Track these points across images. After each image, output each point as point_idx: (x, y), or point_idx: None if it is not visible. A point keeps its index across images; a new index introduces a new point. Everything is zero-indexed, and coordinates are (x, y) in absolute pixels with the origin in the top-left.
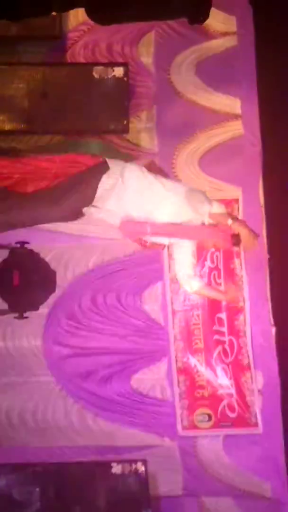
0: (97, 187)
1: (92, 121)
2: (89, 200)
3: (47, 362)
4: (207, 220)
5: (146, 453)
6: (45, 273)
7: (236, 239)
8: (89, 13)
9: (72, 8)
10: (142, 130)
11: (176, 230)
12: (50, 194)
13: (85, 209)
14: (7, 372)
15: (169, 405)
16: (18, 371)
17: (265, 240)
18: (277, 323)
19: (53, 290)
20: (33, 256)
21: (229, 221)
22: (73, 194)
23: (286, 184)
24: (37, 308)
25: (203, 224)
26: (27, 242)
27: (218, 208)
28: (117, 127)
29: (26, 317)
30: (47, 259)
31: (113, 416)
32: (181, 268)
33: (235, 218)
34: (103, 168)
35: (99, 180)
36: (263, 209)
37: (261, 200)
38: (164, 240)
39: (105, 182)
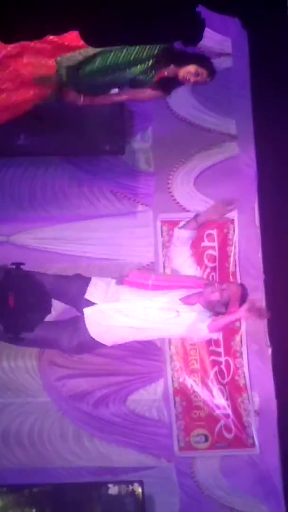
0: None
1: (88, 142)
2: None
3: (44, 383)
4: None
5: (143, 474)
6: (40, 295)
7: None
8: (83, 36)
9: (66, 32)
10: (138, 150)
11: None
12: None
13: None
14: (4, 393)
15: (165, 426)
16: (14, 392)
17: (260, 260)
18: (273, 343)
19: (49, 312)
20: (29, 278)
21: None
22: None
23: (282, 205)
24: (32, 330)
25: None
26: (22, 264)
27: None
28: (113, 148)
29: (22, 338)
30: None
31: (109, 437)
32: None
33: None
34: None
35: None
36: (259, 230)
37: (257, 221)
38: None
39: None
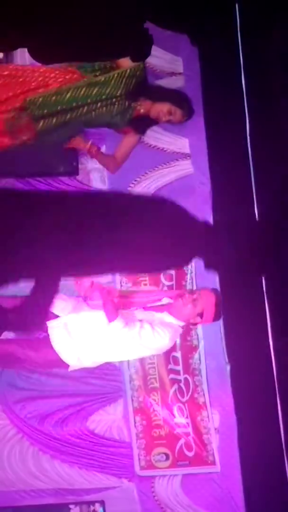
0: None
1: (42, 163)
2: None
3: (2, 406)
4: None
5: (104, 494)
6: None
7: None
8: (32, 52)
9: (15, 49)
10: (92, 170)
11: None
12: None
13: None
14: None
15: (126, 445)
16: None
17: (217, 278)
18: (231, 360)
19: (3, 329)
20: None
21: None
22: None
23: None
24: None
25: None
26: None
27: None
28: (67, 168)
29: None
30: None
31: (70, 458)
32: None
33: None
34: None
35: None
36: None
37: None
38: None
39: None
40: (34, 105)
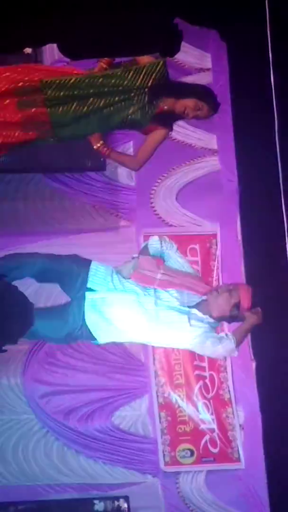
0: None
1: (70, 158)
2: None
3: (28, 400)
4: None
5: (129, 490)
6: (23, 307)
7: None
8: (62, 48)
9: (44, 44)
10: (119, 166)
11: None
12: None
13: None
14: None
15: (151, 441)
16: None
17: (243, 275)
18: (257, 357)
19: (31, 325)
20: (11, 289)
21: None
22: None
23: (263, 219)
24: (15, 342)
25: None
26: (4, 276)
27: None
28: (94, 164)
29: (5, 350)
30: (26, 292)
31: (94, 454)
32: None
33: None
34: None
35: None
36: (241, 244)
37: (239, 235)
38: None
39: None
40: (50, 87)
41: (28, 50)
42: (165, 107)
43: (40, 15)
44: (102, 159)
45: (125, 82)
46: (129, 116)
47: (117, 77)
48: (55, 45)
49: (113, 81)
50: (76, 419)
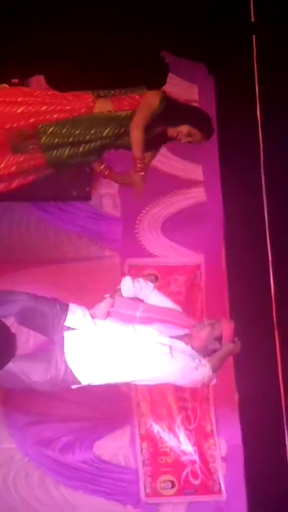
0: None
1: (55, 187)
2: None
3: (8, 429)
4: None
5: None
6: (5, 336)
7: None
8: (48, 79)
9: (32, 76)
10: (105, 195)
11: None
12: None
13: None
14: None
15: (132, 472)
16: None
17: (227, 306)
18: (239, 390)
19: (13, 355)
20: None
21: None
22: None
23: (248, 250)
24: None
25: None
26: None
27: None
28: (80, 193)
29: None
30: (8, 323)
31: (75, 484)
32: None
33: None
34: None
35: None
36: (225, 276)
37: (224, 267)
38: None
39: None
40: (44, 134)
41: (15, 81)
42: (158, 131)
43: (27, 47)
44: (87, 189)
45: (126, 126)
46: (124, 143)
47: (118, 120)
48: (42, 77)
49: (111, 125)
50: (58, 448)
